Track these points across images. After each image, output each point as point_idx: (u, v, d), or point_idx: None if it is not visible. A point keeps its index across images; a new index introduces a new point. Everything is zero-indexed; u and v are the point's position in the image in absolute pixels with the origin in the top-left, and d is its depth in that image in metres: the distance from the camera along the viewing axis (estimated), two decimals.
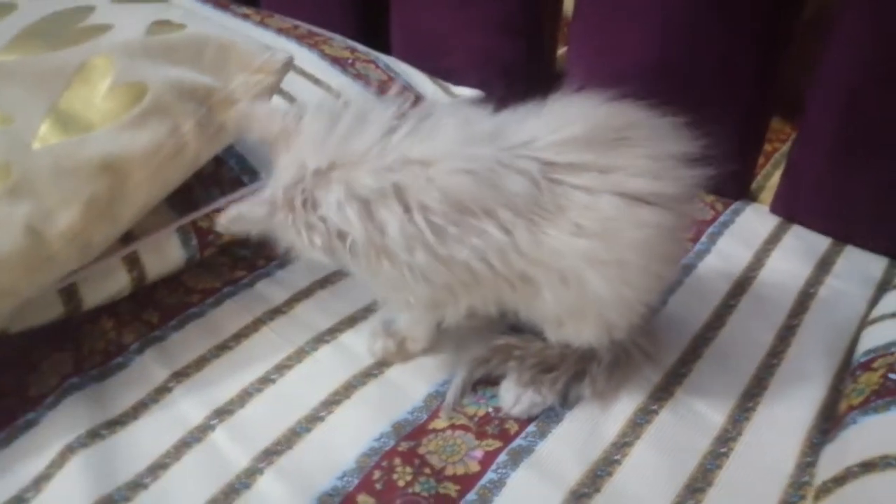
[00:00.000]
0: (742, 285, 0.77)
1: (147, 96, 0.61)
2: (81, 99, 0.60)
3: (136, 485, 0.56)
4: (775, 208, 0.90)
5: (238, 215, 0.54)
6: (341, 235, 0.53)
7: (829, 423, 0.62)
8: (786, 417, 0.63)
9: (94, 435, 0.58)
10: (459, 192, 0.52)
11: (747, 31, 0.81)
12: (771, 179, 0.97)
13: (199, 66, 0.65)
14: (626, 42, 0.88)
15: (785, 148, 1.03)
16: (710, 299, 0.75)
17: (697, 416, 0.63)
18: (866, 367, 0.62)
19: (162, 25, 0.66)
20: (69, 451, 0.57)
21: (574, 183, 0.54)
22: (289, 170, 0.54)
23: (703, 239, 0.84)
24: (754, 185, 0.95)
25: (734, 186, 0.92)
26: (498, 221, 0.53)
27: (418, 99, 0.92)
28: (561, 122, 0.57)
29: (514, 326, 0.64)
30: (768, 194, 0.92)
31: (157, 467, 0.57)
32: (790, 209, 0.89)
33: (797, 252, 0.83)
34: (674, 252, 0.60)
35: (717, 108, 0.87)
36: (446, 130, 0.55)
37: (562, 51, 1.09)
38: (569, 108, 0.59)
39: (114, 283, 0.67)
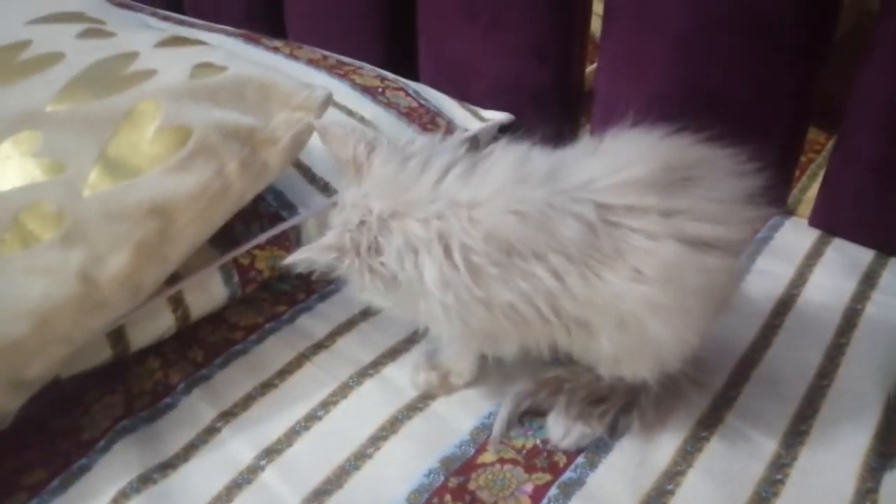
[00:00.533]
0: (786, 303, 0.76)
1: (192, 139, 0.62)
2: (129, 144, 0.61)
3: None
4: (814, 221, 0.89)
5: (306, 259, 0.56)
6: (394, 278, 0.54)
7: (886, 445, 0.60)
8: (841, 441, 0.62)
9: (146, 479, 0.59)
10: (506, 233, 0.52)
11: (783, 48, 0.81)
12: (808, 192, 0.96)
13: (242, 107, 0.66)
14: (657, 62, 0.88)
15: (821, 159, 1.02)
16: (754, 320, 0.74)
17: (749, 441, 0.62)
18: None
19: (204, 68, 0.67)
20: (123, 496, 0.58)
21: (634, 226, 0.53)
22: (355, 210, 0.56)
23: (742, 258, 0.83)
24: (791, 199, 0.94)
25: (772, 200, 0.91)
26: (548, 265, 0.53)
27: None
28: (621, 162, 0.56)
29: (565, 359, 0.64)
30: (806, 207, 0.91)
31: None
32: (830, 222, 0.88)
33: (840, 266, 0.82)
34: (733, 294, 0.59)
35: (753, 124, 0.86)
36: (497, 171, 0.55)
37: (589, 69, 1.09)
38: (628, 145, 0.58)
39: (160, 323, 0.68)
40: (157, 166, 0.61)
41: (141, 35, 0.72)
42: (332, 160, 0.61)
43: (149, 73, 0.65)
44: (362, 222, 0.55)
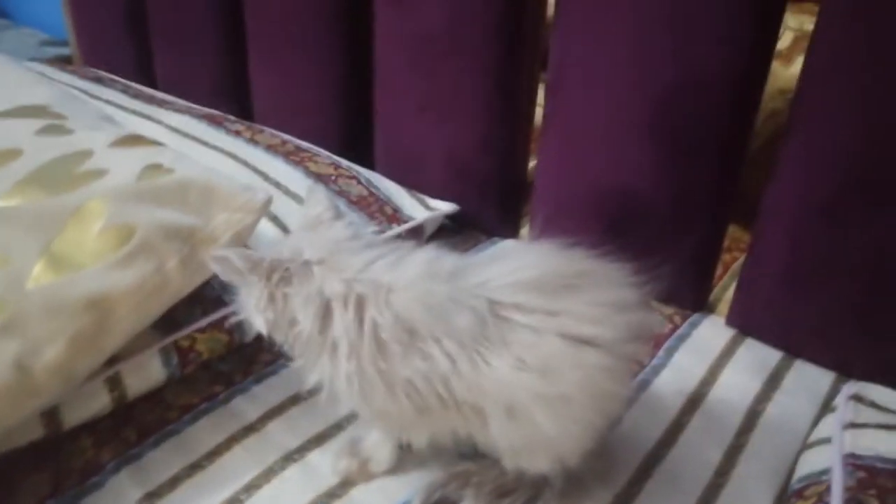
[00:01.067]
0: (695, 401, 0.81)
1: (135, 237, 0.67)
2: (74, 241, 0.66)
3: None
4: (730, 321, 0.94)
5: (225, 257, 0.61)
6: (293, 322, 0.60)
7: None
8: None
9: None
10: (411, 317, 0.59)
11: (701, 155, 0.87)
12: (728, 290, 1.00)
13: (185, 207, 0.71)
14: (590, 160, 0.95)
15: (742, 259, 1.08)
16: (663, 416, 0.79)
17: None
18: (799, 495, 0.66)
19: (153, 169, 0.72)
20: None
21: (521, 322, 0.59)
22: (289, 249, 0.63)
23: (661, 353, 0.88)
24: (712, 297, 1.00)
25: (692, 298, 0.97)
26: (442, 348, 0.59)
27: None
28: (515, 266, 0.63)
29: (475, 451, 0.68)
30: (726, 305, 0.96)
31: None
32: (744, 322, 0.93)
33: (749, 366, 0.87)
34: (616, 390, 0.64)
35: (677, 223, 0.92)
36: (415, 264, 0.63)
37: (533, 164, 1.16)
38: (527, 254, 0.65)
39: (95, 403, 0.71)
40: (100, 262, 0.65)
41: (98, 133, 0.77)
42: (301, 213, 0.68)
43: (100, 173, 0.70)
44: (289, 259, 0.62)
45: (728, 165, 0.88)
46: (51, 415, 0.68)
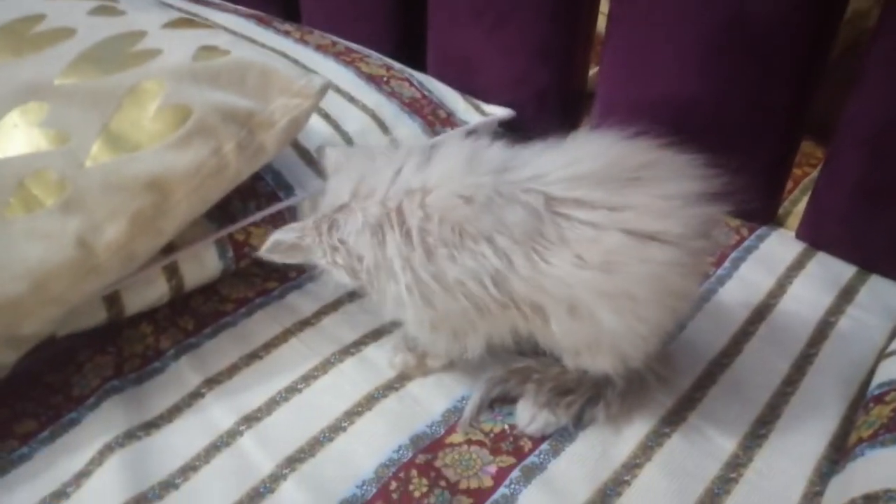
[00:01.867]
0: (761, 312, 0.78)
1: (192, 118, 0.65)
2: (131, 120, 0.64)
3: (168, 484, 0.59)
4: (801, 234, 0.91)
5: (274, 242, 0.61)
6: (359, 258, 0.59)
7: (839, 453, 0.63)
8: (797, 446, 0.64)
9: (130, 436, 0.62)
10: (454, 216, 0.56)
11: (777, 66, 0.82)
12: (799, 205, 0.97)
13: (242, 90, 0.69)
14: (657, 70, 0.90)
15: (815, 173, 1.03)
16: (728, 326, 0.76)
17: (708, 441, 0.65)
18: (879, 399, 0.63)
19: (208, 51, 0.70)
20: (108, 449, 0.61)
21: (581, 218, 0.56)
22: (326, 204, 0.62)
23: (726, 264, 0.85)
24: (781, 210, 0.96)
25: (761, 211, 0.93)
26: (494, 246, 0.56)
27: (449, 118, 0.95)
28: (574, 158, 0.59)
29: (533, 349, 0.66)
30: (795, 219, 0.92)
31: (188, 469, 0.61)
32: (815, 236, 0.89)
33: (820, 280, 0.83)
34: (685, 287, 0.61)
35: (747, 137, 0.88)
36: (449, 161, 0.60)
37: (593, 71, 1.10)
38: (585, 145, 0.61)
39: (154, 291, 0.71)
40: (157, 143, 0.64)
41: (150, 15, 0.75)
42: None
43: (154, 53, 0.68)
44: (330, 209, 0.61)
45: (804, 76, 0.83)
46: (113, 300, 0.69)
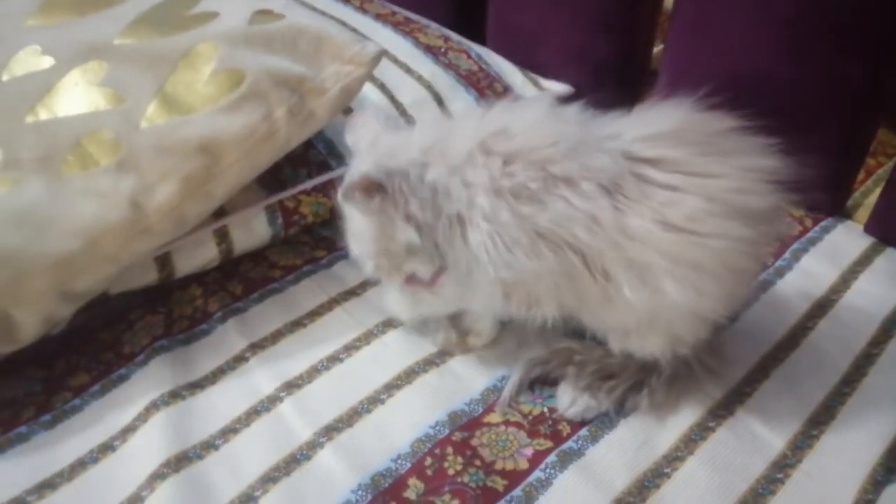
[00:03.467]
0: (823, 306, 0.75)
1: (245, 83, 0.65)
2: (185, 83, 0.65)
3: (209, 445, 0.60)
4: (870, 228, 0.86)
5: (358, 179, 0.56)
6: (436, 208, 0.56)
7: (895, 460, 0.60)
8: (851, 450, 0.61)
9: (175, 395, 0.64)
10: (541, 155, 0.54)
11: (855, 48, 0.77)
12: (870, 197, 0.92)
13: (295, 56, 0.68)
14: (726, 47, 0.86)
15: (890, 164, 0.97)
16: (785, 318, 0.73)
17: (756, 437, 0.62)
18: None
19: (263, 15, 0.70)
20: (154, 407, 0.62)
21: (658, 179, 0.55)
22: (400, 154, 0.58)
23: (786, 255, 0.81)
24: (851, 202, 0.91)
25: (828, 202, 0.88)
26: (580, 192, 0.54)
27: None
28: (649, 120, 0.58)
29: (575, 331, 0.65)
30: (865, 212, 0.88)
31: (229, 431, 0.62)
32: (886, 231, 0.85)
33: (888, 277, 0.79)
34: (749, 268, 0.59)
35: (818, 120, 0.83)
36: (530, 109, 0.58)
37: (658, 49, 1.06)
38: (658, 110, 0.60)
39: (204, 254, 0.72)
40: (209, 106, 0.64)
41: None
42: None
43: (210, 16, 0.68)
44: (406, 162, 0.57)
45: (882, 59, 0.78)
46: (164, 261, 0.70)
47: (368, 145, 0.60)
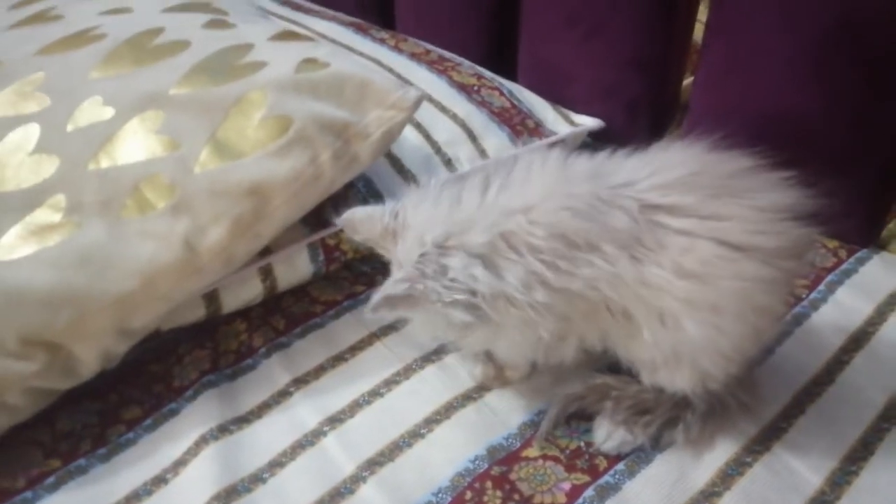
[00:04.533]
0: (858, 340, 0.75)
1: (292, 128, 0.69)
2: (236, 129, 0.68)
3: (257, 478, 0.63)
4: None
5: (382, 299, 0.58)
6: (473, 293, 0.57)
7: None
8: (890, 488, 0.61)
9: (224, 429, 0.66)
10: (563, 228, 0.56)
11: (888, 81, 0.78)
12: None
13: (339, 101, 0.71)
14: (756, 83, 0.87)
15: None
16: (820, 353, 0.73)
17: (793, 474, 0.63)
18: None
19: (309, 63, 0.73)
20: (203, 441, 0.65)
21: (673, 226, 0.56)
22: (411, 250, 0.59)
23: (821, 287, 0.82)
24: (885, 233, 0.91)
25: (862, 233, 0.89)
26: (603, 254, 0.56)
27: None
28: (662, 165, 0.59)
29: (611, 367, 0.66)
30: None
31: (275, 464, 0.64)
32: None
33: None
34: (772, 306, 0.60)
35: (850, 154, 0.84)
36: (542, 175, 0.59)
37: (687, 81, 1.08)
38: (672, 153, 0.61)
39: (250, 290, 0.75)
40: (259, 151, 0.67)
41: (257, 27, 0.79)
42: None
43: (260, 65, 0.72)
44: (422, 255, 0.58)
45: None
46: (212, 298, 0.73)
47: (392, 243, 0.62)
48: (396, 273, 0.60)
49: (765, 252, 0.56)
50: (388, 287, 0.58)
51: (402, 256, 0.60)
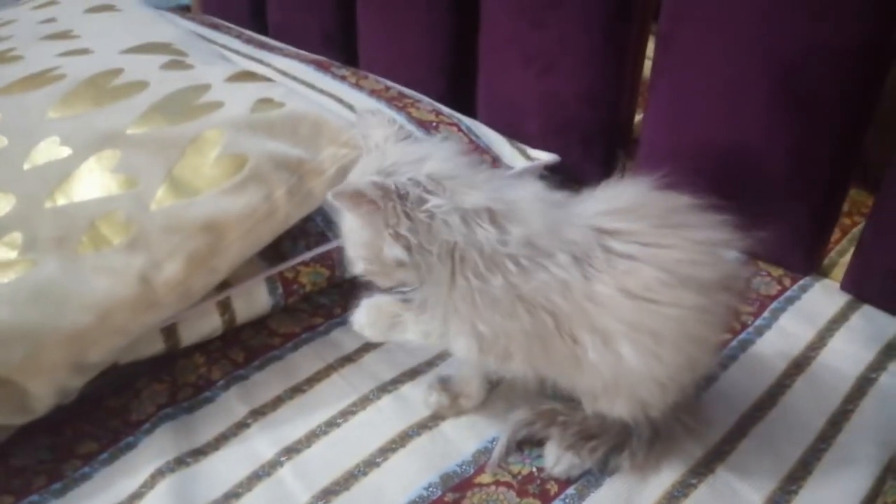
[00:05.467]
0: (800, 365, 0.78)
1: (247, 166, 0.71)
2: (192, 167, 0.70)
3: None
4: (846, 286, 0.89)
5: (357, 190, 0.57)
6: (431, 236, 0.58)
7: None
8: None
9: (180, 462, 0.67)
10: (533, 232, 0.58)
11: (821, 118, 0.82)
12: (846, 255, 0.95)
13: (294, 140, 0.74)
14: (698, 120, 0.91)
15: (863, 223, 1.01)
16: (763, 377, 0.76)
17: (736, 494, 0.65)
18: None
19: (265, 103, 0.76)
20: (159, 474, 0.65)
21: (618, 249, 0.59)
22: (403, 164, 0.59)
23: (766, 314, 0.85)
24: (827, 261, 0.95)
25: (805, 261, 0.92)
26: (556, 262, 0.58)
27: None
28: (610, 197, 0.63)
29: (560, 394, 0.68)
30: (841, 270, 0.91)
31: (231, 496, 0.64)
32: (860, 288, 0.88)
33: (863, 334, 0.82)
34: (707, 337, 0.62)
35: (790, 187, 0.87)
36: (528, 186, 0.63)
37: (639, 118, 1.12)
38: (619, 188, 0.64)
39: (208, 324, 0.76)
40: (214, 188, 0.69)
41: (215, 68, 0.81)
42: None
43: (216, 105, 0.74)
44: (411, 178, 0.58)
45: (850, 129, 0.83)
46: (170, 332, 0.74)
47: (376, 147, 0.62)
48: (380, 181, 0.58)
49: (699, 283, 0.59)
50: (358, 180, 0.59)
51: (390, 161, 0.60)
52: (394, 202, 0.57)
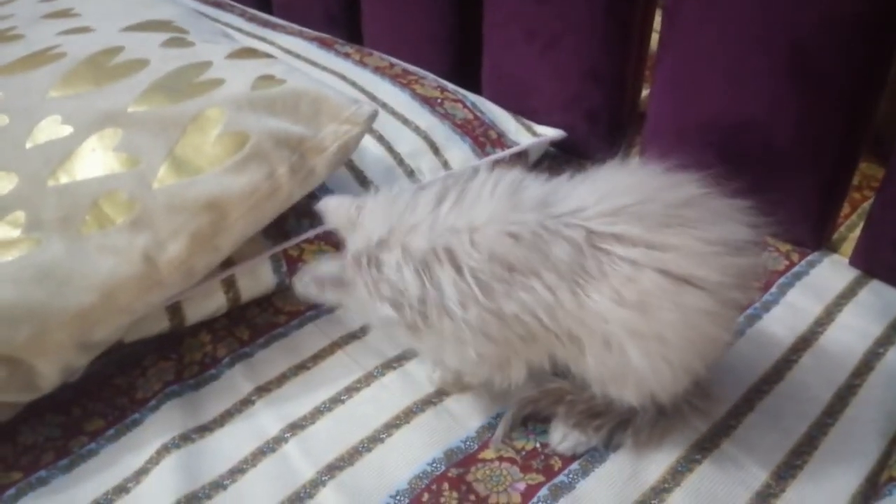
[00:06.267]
0: (807, 340, 0.77)
1: (248, 144, 0.70)
2: (194, 145, 0.70)
3: (217, 485, 0.64)
4: (855, 261, 0.89)
5: (313, 277, 0.61)
6: (403, 292, 0.58)
7: (874, 489, 0.62)
8: (832, 479, 0.64)
9: (185, 438, 0.67)
10: (503, 253, 0.57)
11: (830, 91, 0.81)
12: (855, 230, 0.94)
13: (295, 117, 0.73)
14: (704, 96, 0.90)
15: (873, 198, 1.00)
16: (770, 353, 0.76)
17: (741, 469, 0.65)
18: None
19: (266, 80, 0.75)
20: (165, 450, 0.66)
21: (619, 254, 0.57)
22: (357, 242, 0.61)
23: (773, 290, 0.84)
24: (836, 236, 0.94)
25: (813, 236, 0.92)
26: (542, 281, 0.57)
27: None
28: (613, 190, 0.60)
29: (565, 373, 0.68)
30: (851, 245, 0.90)
31: (236, 471, 0.65)
32: (869, 263, 0.87)
33: (871, 309, 0.82)
34: (716, 336, 0.61)
35: (798, 162, 0.86)
36: (492, 197, 0.60)
37: (646, 92, 1.11)
38: (624, 177, 0.62)
39: (213, 302, 0.76)
40: (216, 167, 0.69)
41: (216, 46, 0.81)
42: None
43: (217, 83, 0.74)
44: (367, 246, 0.60)
45: (859, 102, 0.81)
46: (175, 310, 0.74)
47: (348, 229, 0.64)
48: (334, 261, 0.62)
49: (709, 283, 0.57)
50: (320, 266, 0.61)
51: (350, 247, 0.62)
52: (356, 274, 0.60)
